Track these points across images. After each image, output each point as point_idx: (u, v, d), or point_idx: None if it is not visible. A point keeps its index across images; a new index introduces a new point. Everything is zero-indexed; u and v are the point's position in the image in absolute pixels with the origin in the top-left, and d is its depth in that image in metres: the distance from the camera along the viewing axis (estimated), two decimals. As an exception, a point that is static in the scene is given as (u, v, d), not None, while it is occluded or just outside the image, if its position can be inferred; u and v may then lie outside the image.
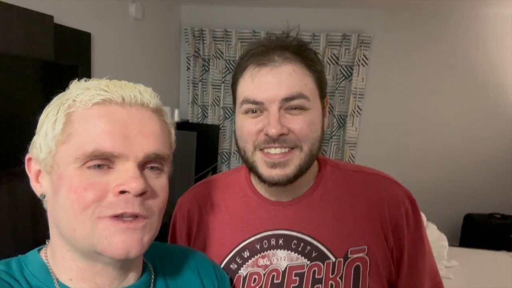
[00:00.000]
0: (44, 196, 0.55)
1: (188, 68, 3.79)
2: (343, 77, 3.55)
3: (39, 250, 0.59)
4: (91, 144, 0.49)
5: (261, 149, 0.69)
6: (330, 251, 0.72)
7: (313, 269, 0.71)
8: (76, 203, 0.49)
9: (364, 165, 0.82)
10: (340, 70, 3.52)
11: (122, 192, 0.50)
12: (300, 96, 0.67)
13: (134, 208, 0.50)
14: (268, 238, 0.75)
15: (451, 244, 2.48)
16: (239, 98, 0.72)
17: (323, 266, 0.71)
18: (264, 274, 0.73)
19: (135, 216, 0.51)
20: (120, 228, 0.50)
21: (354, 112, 3.56)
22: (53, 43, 1.96)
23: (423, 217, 2.21)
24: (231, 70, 3.76)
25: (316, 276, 0.70)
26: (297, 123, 0.68)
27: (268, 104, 0.67)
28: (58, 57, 2.03)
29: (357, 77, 3.49)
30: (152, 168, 0.54)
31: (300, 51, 0.70)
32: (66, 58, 2.13)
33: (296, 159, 0.69)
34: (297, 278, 0.71)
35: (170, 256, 0.69)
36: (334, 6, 3.48)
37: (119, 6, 2.68)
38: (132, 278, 0.59)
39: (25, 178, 0.57)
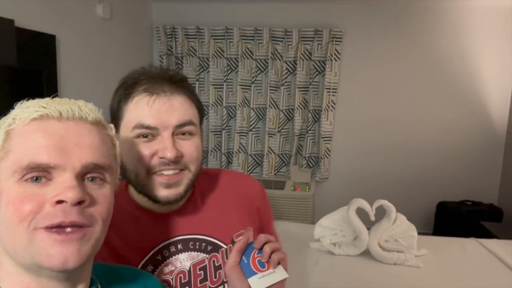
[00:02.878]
0: None
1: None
2: (316, 72, 3.58)
3: None
4: (27, 156, 0.50)
5: (155, 172, 0.76)
6: (221, 241, 0.85)
7: (212, 259, 0.83)
8: (13, 215, 0.50)
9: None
10: (313, 65, 3.56)
11: (59, 202, 0.50)
12: (190, 123, 0.77)
13: (72, 217, 0.51)
14: (167, 247, 0.82)
15: (425, 232, 2.55)
16: (130, 123, 0.76)
17: (219, 254, 0.84)
18: (172, 279, 0.80)
19: (74, 226, 0.51)
20: (56, 240, 0.50)
21: (329, 107, 3.61)
22: (15, 48, 1.91)
23: (392, 208, 2.27)
24: (205, 68, 3.75)
25: (216, 264, 0.83)
26: (188, 147, 0.77)
27: (162, 129, 0.75)
28: (22, 61, 1.98)
29: (330, 72, 3.53)
30: (93, 179, 0.55)
31: (184, 84, 0.80)
32: (31, 62, 2.09)
33: (185, 179, 0.79)
34: (202, 271, 0.82)
35: (118, 275, 0.70)
36: (305, 1, 3.50)
37: (85, 7, 2.63)
38: None
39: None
